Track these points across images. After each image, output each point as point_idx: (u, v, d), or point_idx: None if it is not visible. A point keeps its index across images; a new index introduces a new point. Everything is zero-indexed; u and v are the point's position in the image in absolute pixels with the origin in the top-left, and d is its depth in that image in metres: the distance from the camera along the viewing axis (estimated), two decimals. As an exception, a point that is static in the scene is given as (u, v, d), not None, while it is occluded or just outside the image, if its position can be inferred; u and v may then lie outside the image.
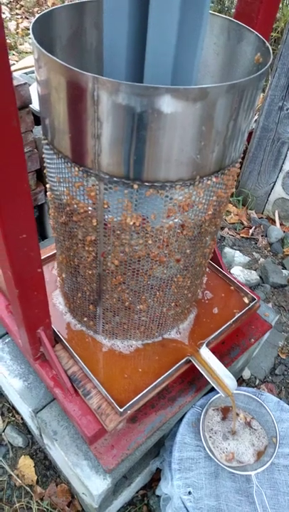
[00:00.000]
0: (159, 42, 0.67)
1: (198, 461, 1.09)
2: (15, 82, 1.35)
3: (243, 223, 2.32)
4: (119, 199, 0.71)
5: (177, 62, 0.71)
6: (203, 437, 1.09)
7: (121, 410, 0.92)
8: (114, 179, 0.69)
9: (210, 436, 1.14)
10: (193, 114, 0.60)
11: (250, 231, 2.27)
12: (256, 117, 2.34)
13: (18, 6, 4.05)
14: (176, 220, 0.76)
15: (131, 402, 0.94)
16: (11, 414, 1.48)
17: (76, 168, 0.71)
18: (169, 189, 0.70)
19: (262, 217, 2.38)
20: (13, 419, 1.47)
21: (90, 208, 0.76)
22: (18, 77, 1.36)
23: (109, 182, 0.69)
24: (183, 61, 0.71)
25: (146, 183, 0.68)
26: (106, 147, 0.65)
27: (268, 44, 0.70)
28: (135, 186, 0.69)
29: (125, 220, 0.74)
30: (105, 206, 0.74)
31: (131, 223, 0.74)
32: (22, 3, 4.06)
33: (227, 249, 2.10)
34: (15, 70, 2.10)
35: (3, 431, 1.45)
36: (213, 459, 1.06)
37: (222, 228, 2.28)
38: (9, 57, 0.71)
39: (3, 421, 1.47)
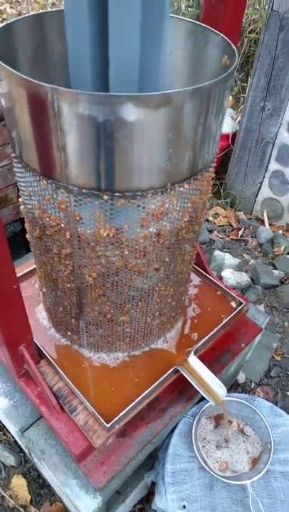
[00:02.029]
0: (121, 48, 0.66)
1: (192, 473, 1.06)
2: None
3: (232, 225, 2.31)
4: (91, 211, 0.70)
5: (142, 69, 0.70)
6: (196, 447, 1.07)
7: (108, 426, 0.90)
8: (84, 191, 0.67)
9: (203, 446, 1.11)
10: (158, 122, 0.59)
11: (240, 233, 2.26)
12: (239, 118, 2.34)
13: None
14: (151, 229, 0.74)
15: (118, 417, 0.92)
16: (1, 433, 1.45)
17: (44, 181, 0.69)
18: (140, 198, 0.68)
19: (251, 218, 2.37)
20: (5, 437, 1.44)
21: (62, 221, 0.74)
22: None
23: (78, 194, 0.68)
24: (148, 67, 0.70)
25: (117, 194, 0.67)
26: (72, 158, 0.63)
27: (233, 46, 0.69)
28: (105, 197, 0.67)
29: (98, 232, 0.72)
30: (77, 219, 0.72)
31: (105, 234, 0.72)
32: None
33: (217, 252, 2.09)
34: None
35: (-5, 450, 1.42)
36: (207, 470, 1.03)
37: (211, 231, 2.27)
38: None
39: (-5, 440, 1.44)
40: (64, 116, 0.58)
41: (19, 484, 1.35)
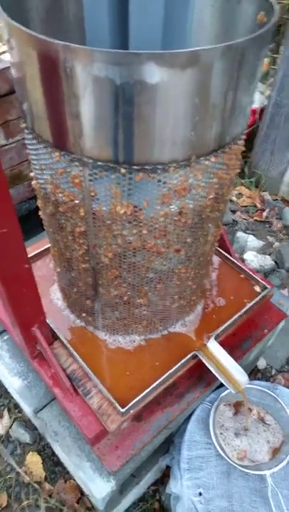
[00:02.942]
0: (143, 4, 0.58)
1: (208, 460, 1.03)
2: (1, 65, 1.27)
3: (256, 206, 2.22)
4: (107, 186, 0.64)
5: (166, 28, 0.63)
6: (214, 434, 1.03)
7: (122, 410, 0.87)
8: (99, 163, 0.61)
9: (221, 433, 1.07)
10: (183, 85, 0.52)
11: (264, 214, 2.16)
12: (268, 92, 2.20)
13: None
14: (172, 207, 0.68)
15: (133, 402, 0.88)
16: (17, 411, 1.45)
17: (57, 153, 0.64)
18: (161, 172, 0.62)
19: (276, 199, 2.27)
20: (20, 415, 1.44)
21: (76, 197, 0.69)
22: (4, 59, 1.28)
23: (93, 167, 0.62)
24: (173, 26, 0.63)
25: (135, 167, 0.61)
26: (87, 127, 0.57)
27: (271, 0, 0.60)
28: (123, 171, 0.61)
29: (115, 209, 0.67)
30: (92, 194, 0.66)
31: (121, 212, 0.67)
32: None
33: (240, 234, 2.01)
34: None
35: (10, 427, 1.43)
36: (224, 458, 1.00)
37: (234, 212, 2.18)
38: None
39: (10, 417, 1.45)
40: (77, 79, 0.52)
41: (34, 461, 1.36)
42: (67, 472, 1.33)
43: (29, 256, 1.20)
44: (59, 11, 0.75)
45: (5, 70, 1.21)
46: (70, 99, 0.55)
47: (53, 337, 1.00)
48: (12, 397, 1.46)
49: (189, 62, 0.50)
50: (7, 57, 1.80)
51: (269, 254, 1.93)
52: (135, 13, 0.61)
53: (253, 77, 0.60)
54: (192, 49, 0.48)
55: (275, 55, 2.44)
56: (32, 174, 0.78)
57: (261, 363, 1.58)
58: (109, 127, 0.56)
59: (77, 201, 0.69)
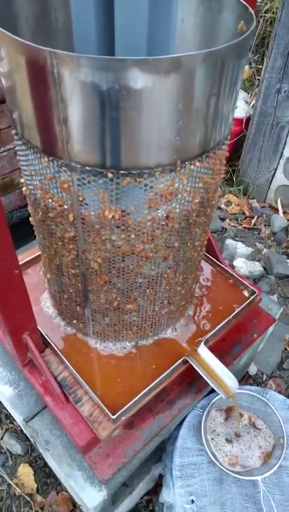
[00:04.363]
0: (128, 16, 0.60)
1: (200, 467, 1.03)
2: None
3: (244, 213, 2.25)
4: (95, 191, 0.65)
5: (151, 39, 0.64)
6: (205, 440, 1.03)
7: (113, 417, 0.86)
8: (87, 168, 0.62)
9: (212, 438, 1.07)
10: (167, 90, 0.53)
11: (253, 221, 2.19)
12: (253, 102, 2.25)
13: None
14: (159, 211, 0.69)
15: (124, 409, 0.88)
16: (8, 421, 1.43)
17: (46, 159, 0.65)
18: (147, 177, 0.63)
19: (264, 206, 2.30)
20: (12, 425, 1.43)
21: (65, 203, 0.69)
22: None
23: (81, 172, 0.63)
24: (157, 36, 0.65)
25: (122, 172, 0.62)
26: (74, 133, 0.58)
27: (250, 9, 0.63)
28: (110, 175, 0.62)
29: (103, 214, 0.68)
30: (80, 199, 0.67)
31: (110, 217, 0.68)
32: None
33: (229, 241, 2.03)
34: None
35: (2, 438, 1.40)
36: (216, 465, 1.00)
37: (223, 219, 2.21)
38: None
39: (1, 428, 1.43)
40: (64, 85, 0.53)
41: (25, 473, 1.34)
42: (60, 484, 1.31)
43: (20, 263, 1.20)
44: (48, 19, 0.77)
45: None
46: (57, 104, 0.56)
47: (44, 344, 0.99)
48: (4, 407, 1.44)
49: (172, 67, 0.51)
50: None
51: (258, 261, 1.96)
52: (120, 21, 0.63)
53: (234, 84, 0.62)
54: (175, 55, 0.50)
55: (260, 66, 2.50)
56: (22, 180, 0.79)
57: (252, 369, 1.58)
58: (95, 132, 0.57)
59: (66, 206, 0.70)
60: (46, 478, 1.33)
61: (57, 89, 0.54)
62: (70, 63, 0.50)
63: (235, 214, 2.24)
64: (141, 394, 0.90)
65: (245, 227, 2.17)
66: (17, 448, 1.36)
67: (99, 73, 0.50)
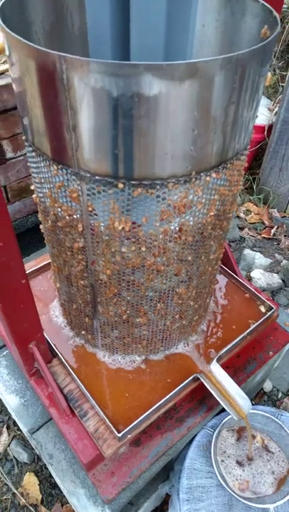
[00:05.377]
0: (144, 21, 0.57)
1: (209, 490, 0.98)
2: (3, 82, 1.28)
3: (264, 223, 2.19)
4: (105, 201, 0.62)
5: (168, 45, 0.62)
6: (215, 462, 0.98)
7: (119, 435, 0.83)
8: (97, 178, 0.59)
9: (222, 460, 1.02)
10: (182, 97, 0.50)
11: (272, 231, 2.13)
12: (276, 109, 2.20)
13: None
14: (171, 224, 0.66)
15: (131, 426, 0.85)
16: (16, 428, 1.41)
17: (55, 167, 0.62)
18: (160, 188, 0.60)
19: (285, 216, 2.23)
20: (19, 433, 1.41)
21: (74, 212, 0.67)
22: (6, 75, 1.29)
23: (91, 181, 0.60)
24: (175, 42, 0.61)
25: (134, 182, 0.59)
26: (83, 140, 0.56)
27: (275, 13, 0.59)
28: (120, 185, 0.59)
29: (113, 225, 0.65)
30: (90, 209, 0.64)
31: (120, 228, 0.65)
32: None
33: (247, 251, 1.97)
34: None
35: (9, 445, 1.39)
36: (226, 489, 0.95)
37: (241, 229, 2.15)
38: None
39: (9, 434, 1.41)
40: (74, 90, 0.50)
41: (31, 482, 1.31)
42: (65, 496, 1.28)
43: (31, 270, 1.18)
44: (63, 24, 0.75)
45: (6, 86, 1.22)
46: (66, 111, 0.53)
47: (51, 354, 0.97)
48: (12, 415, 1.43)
49: (188, 74, 0.48)
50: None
51: (277, 273, 1.89)
52: (136, 27, 0.60)
53: (255, 92, 0.59)
54: (191, 61, 0.46)
55: (284, 73, 2.44)
56: (33, 187, 0.77)
57: (267, 386, 1.52)
58: (105, 141, 0.54)
59: (75, 216, 0.67)
60: (51, 489, 1.30)
61: (66, 95, 0.51)
62: (80, 68, 0.47)
63: (254, 223, 2.18)
64: (149, 411, 0.87)
65: (264, 237, 2.11)
66: (23, 456, 1.34)
67: (109, 79, 0.48)
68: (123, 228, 0.65)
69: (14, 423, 1.43)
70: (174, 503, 1.01)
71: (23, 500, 1.28)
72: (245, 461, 1.02)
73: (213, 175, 0.62)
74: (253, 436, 1.06)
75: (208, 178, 0.61)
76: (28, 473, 1.33)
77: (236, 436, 1.07)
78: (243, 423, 1.03)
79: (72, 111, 0.53)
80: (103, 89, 0.49)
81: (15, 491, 1.30)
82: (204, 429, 1.04)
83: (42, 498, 1.29)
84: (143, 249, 0.68)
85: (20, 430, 1.41)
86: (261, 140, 2.27)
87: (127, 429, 0.84)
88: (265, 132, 2.25)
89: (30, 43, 0.49)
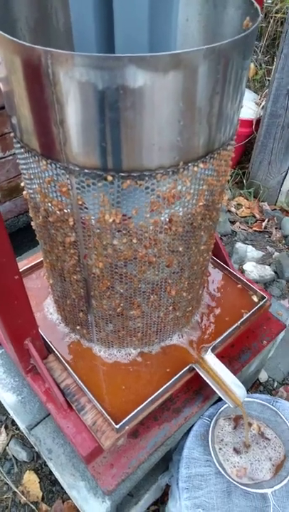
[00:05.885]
0: (128, 15, 0.58)
1: (208, 478, 0.99)
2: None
3: (255, 216, 2.21)
4: (94, 194, 0.63)
5: (152, 39, 0.62)
6: (213, 450, 1.00)
7: (117, 427, 0.84)
8: (86, 171, 0.60)
9: (220, 448, 1.04)
10: (166, 88, 0.51)
11: (263, 224, 2.15)
12: (263, 103, 2.22)
13: None
14: (161, 215, 0.67)
15: (128, 418, 0.86)
16: (14, 427, 1.42)
17: (44, 162, 0.63)
18: (148, 179, 0.61)
19: (275, 209, 2.26)
20: (17, 431, 1.41)
21: (64, 207, 0.67)
22: None
23: (80, 175, 0.61)
24: (158, 36, 0.62)
25: (122, 174, 0.60)
26: (71, 134, 0.56)
27: (256, 4, 0.60)
28: (109, 178, 0.60)
29: (103, 218, 0.66)
30: (80, 203, 0.65)
31: (110, 221, 0.66)
32: None
33: (239, 245, 1.99)
34: None
35: (7, 445, 1.39)
36: (225, 476, 0.96)
37: (233, 222, 2.17)
38: None
39: (7, 434, 1.41)
40: (60, 85, 0.51)
41: (31, 480, 1.32)
42: (65, 492, 1.29)
43: (24, 268, 1.19)
44: (48, 21, 0.76)
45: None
46: (53, 105, 0.54)
47: (46, 350, 0.97)
48: (9, 413, 1.43)
49: (172, 65, 0.49)
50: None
51: (269, 265, 1.91)
52: (120, 22, 0.61)
53: (239, 83, 0.60)
54: (174, 52, 0.47)
55: (270, 67, 2.46)
56: (23, 184, 0.77)
57: (263, 376, 1.54)
58: (93, 134, 0.55)
59: (65, 210, 0.68)
60: (52, 486, 1.31)
61: (52, 90, 0.52)
62: (65, 62, 0.48)
63: (245, 217, 2.20)
64: (145, 402, 0.88)
65: (255, 231, 2.13)
66: (22, 455, 1.34)
67: (94, 72, 0.48)
68: (114, 221, 0.66)
69: (12, 422, 1.43)
70: (173, 492, 1.02)
71: (24, 499, 1.29)
72: (243, 448, 1.04)
73: (201, 165, 0.63)
74: (250, 424, 1.07)
75: (195, 169, 0.63)
76: (27, 471, 1.34)
77: (233, 425, 1.09)
78: (240, 411, 1.04)
79: (58, 105, 0.54)
80: (88, 82, 0.50)
81: (15, 490, 1.30)
82: (201, 419, 1.06)
83: (42, 495, 1.30)
84: (134, 241, 0.69)
85: (19, 429, 1.42)
86: (250, 134, 2.29)
87: (125, 420, 0.85)
88: (253, 126, 2.27)
89: (16, 39, 0.50)
